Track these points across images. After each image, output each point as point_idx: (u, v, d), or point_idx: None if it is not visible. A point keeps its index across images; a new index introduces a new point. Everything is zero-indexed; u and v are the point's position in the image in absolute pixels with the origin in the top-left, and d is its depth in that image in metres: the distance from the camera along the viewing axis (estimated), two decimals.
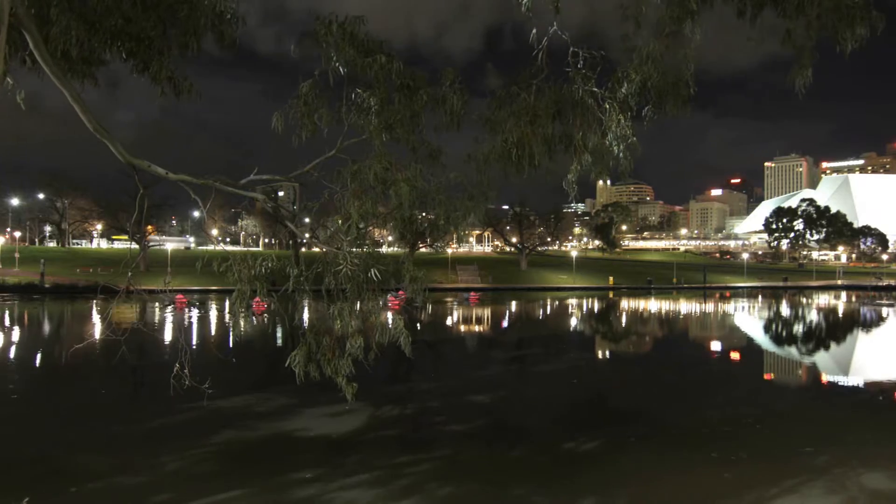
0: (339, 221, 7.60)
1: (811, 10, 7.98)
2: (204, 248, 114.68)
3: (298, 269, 8.45)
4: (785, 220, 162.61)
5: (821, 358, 32.57)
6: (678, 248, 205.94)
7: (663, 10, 7.35)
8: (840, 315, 61.05)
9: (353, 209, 7.49)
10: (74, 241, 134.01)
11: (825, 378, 26.36)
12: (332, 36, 8.18)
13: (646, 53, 7.16)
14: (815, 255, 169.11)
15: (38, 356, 28.83)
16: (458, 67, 8.86)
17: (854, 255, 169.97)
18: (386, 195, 8.01)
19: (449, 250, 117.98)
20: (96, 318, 45.05)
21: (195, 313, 49.89)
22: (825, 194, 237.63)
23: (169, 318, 45.46)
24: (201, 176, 7.21)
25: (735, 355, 32.26)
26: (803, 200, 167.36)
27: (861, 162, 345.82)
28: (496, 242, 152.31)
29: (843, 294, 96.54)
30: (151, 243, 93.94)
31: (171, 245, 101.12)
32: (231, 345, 31.51)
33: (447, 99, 8.48)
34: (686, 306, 68.94)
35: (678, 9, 7.59)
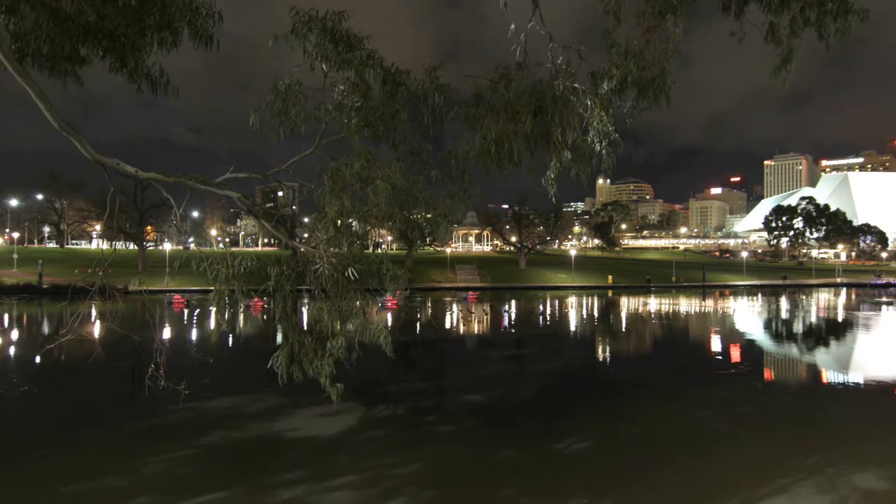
0: (316, 220, 7.49)
1: (795, 4, 7.89)
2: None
3: (280, 268, 8.32)
4: (784, 219, 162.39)
5: (817, 356, 32.43)
6: (678, 247, 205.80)
7: (644, 4, 7.24)
8: (838, 313, 60.88)
9: (330, 208, 7.38)
10: (73, 241, 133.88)
11: (821, 376, 26.26)
12: (311, 32, 8.06)
13: (625, 48, 7.06)
14: (814, 253, 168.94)
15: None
16: (441, 63, 8.70)
17: (853, 253, 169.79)
18: (365, 193, 7.89)
19: (448, 249, 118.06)
20: (93, 318, 44.94)
21: (193, 313, 49.79)
22: (825, 192, 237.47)
23: (167, 318, 45.40)
24: (173, 174, 7.11)
25: (731, 354, 32.14)
26: (803, 199, 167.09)
27: (861, 160, 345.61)
28: (495, 242, 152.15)
29: (843, 292, 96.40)
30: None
31: (169, 245, 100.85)
32: (225, 344, 31.41)
33: (428, 96, 8.36)
34: (685, 305, 68.79)
35: (660, 3, 7.49)
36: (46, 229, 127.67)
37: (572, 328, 44.93)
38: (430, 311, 54.82)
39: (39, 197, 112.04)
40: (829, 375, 26.04)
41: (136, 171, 6.97)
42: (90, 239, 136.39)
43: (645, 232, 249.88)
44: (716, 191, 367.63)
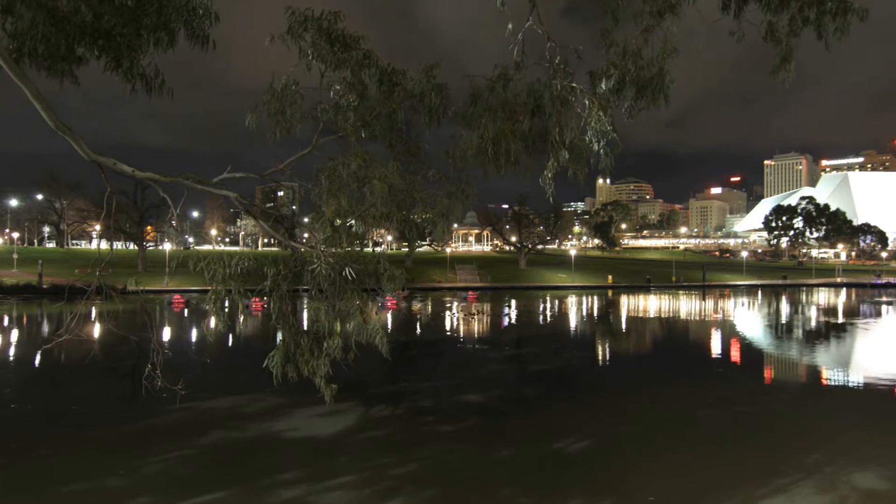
0: (313, 220, 7.47)
1: (795, 4, 7.86)
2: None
3: (276, 268, 8.30)
4: (784, 218, 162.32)
5: (817, 356, 32.41)
6: (678, 247, 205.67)
7: (642, 2, 7.22)
8: (838, 313, 60.85)
9: (327, 208, 7.37)
10: (73, 241, 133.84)
11: (821, 376, 26.23)
12: (306, 31, 8.04)
13: (623, 48, 7.04)
14: (814, 252, 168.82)
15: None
16: (438, 62, 8.69)
17: (853, 253, 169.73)
18: (362, 193, 7.87)
19: (448, 249, 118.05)
20: (92, 319, 44.93)
21: (193, 313, 49.79)
22: (825, 192, 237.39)
23: (166, 318, 45.40)
24: (170, 174, 7.09)
25: (731, 353, 32.13)
26: (803, 198, 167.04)
27: (861, 160, 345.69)
28: (495, 241, 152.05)
29: (843, 292, 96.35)
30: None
31: (168, 246, 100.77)
32: (224, 345, 31.39)
33: (425, 95, 8.34)
34: (685, 305, 68.78)
35: (658, 2, 7.47)
36: (46, 229, 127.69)
37: (572, 328, 44.92)
38: (429, 310, 54.76)
39: (39, 197, 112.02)
40: (829, 375, 26.01)
41: (132, 170, 6.95)
42: (90, 239, 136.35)
43: (645, 232, 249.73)
44: (716, 190, 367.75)
